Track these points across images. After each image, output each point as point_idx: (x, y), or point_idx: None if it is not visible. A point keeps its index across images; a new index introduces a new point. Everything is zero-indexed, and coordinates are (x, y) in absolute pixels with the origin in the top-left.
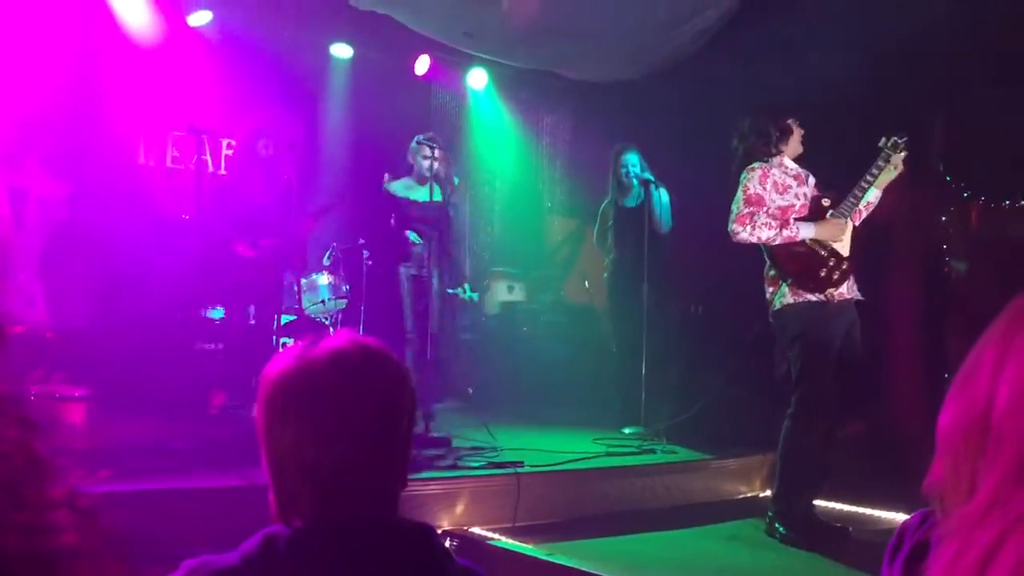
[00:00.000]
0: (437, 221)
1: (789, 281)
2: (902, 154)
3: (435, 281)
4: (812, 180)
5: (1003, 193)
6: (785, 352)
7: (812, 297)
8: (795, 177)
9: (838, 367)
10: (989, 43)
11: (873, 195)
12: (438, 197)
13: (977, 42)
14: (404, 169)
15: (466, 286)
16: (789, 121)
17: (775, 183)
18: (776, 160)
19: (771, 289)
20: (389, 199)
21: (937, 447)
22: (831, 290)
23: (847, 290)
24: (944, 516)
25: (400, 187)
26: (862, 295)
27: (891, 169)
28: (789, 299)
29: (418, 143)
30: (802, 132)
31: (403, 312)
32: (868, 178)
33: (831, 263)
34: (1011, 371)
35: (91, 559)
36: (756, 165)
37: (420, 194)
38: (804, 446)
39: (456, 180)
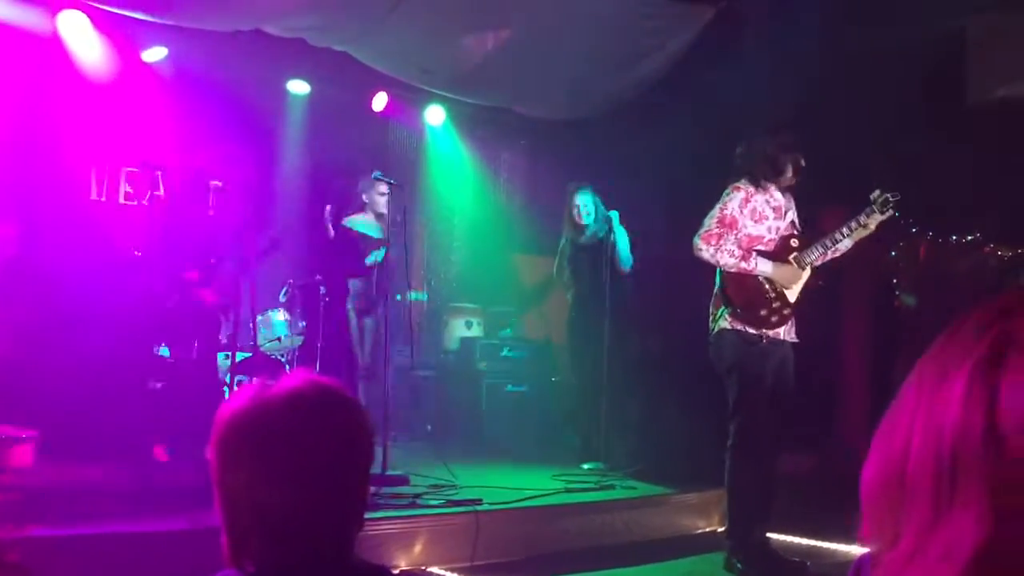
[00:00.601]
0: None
1: (730, 309)
2: (887, 215)
3: (372, 319)
4: (791, 216)
5: (949, 229)
6: (722, 378)
7: (748, 329)
8: (775, 209)
9: (771, 398)
10: (934, 79)
11: (844, 245)
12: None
13: (921, 78)
14: (356, 205)
15: (411, 292)
16: (802, 160)
17: (754, 210)
18: (766, 185)
19: (713, 310)
20: (351, 234)
21: (861, 502)
22: (766, 330)
23: (783, 333)
24: (875, 565)
25: (360, 223)
26: (810, 331)
27: (868, 226)
28: (727, 325)
29: (375, 179)
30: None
31: (353, 348)
32: (845, 230)
33: (775, 305)
34: (921, 422)
35: None
36: (742, 185)
37: (374, 231)
38: (746, 475)
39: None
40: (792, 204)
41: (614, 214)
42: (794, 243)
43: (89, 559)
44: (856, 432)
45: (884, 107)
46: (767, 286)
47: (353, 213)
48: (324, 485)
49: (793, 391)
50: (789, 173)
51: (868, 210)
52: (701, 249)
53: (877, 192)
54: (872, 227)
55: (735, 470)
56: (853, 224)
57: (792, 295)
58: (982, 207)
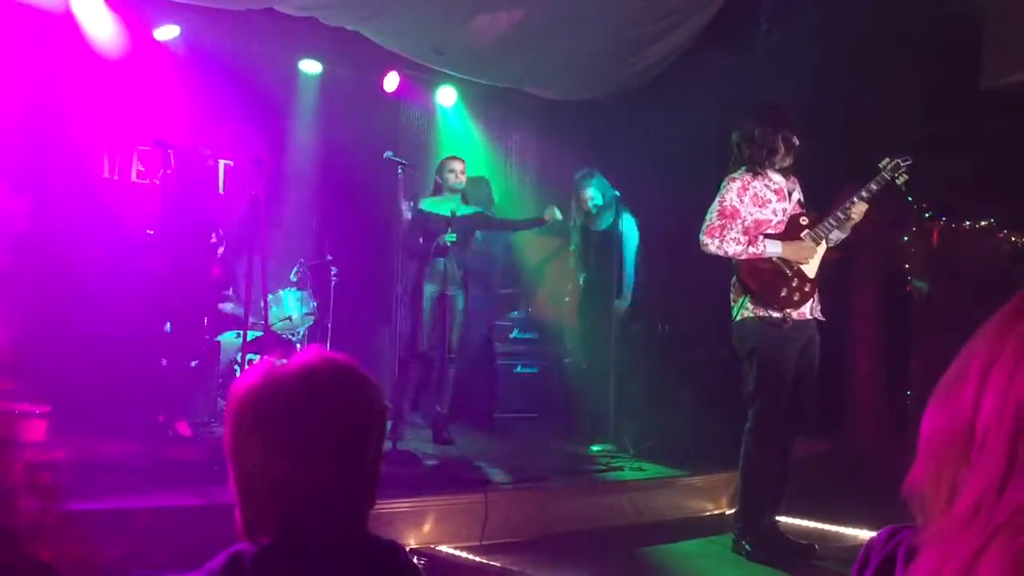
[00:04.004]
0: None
1: (750, 296)
2: (900, 180)
3: (460, 300)
4: (796, 196)
5: (963, 214)
6: (743, 365)
7: (771, 313)
8: (776, 192)
9: (794, 383)
10: (949, 61)
11: (835, 236)
12: (463, 210)
13: (936, 60)
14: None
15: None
16: (794, 137)
17: (754, 196)
18: (762, 171)
19: (734, 299)
20: (422, 216)
21: (919, 450)
22: (789, 310)
23: (808, 311)
24: (923, 520)
25: (433, 203)
26: (825, 316)
27: (852, 217)
28: (749, 312)
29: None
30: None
31: (422, 329)
32: (855, 199)
33: (794, 283)
34: (998, 378)
35: (51, 535)
36: (738, 175)
37: (445, 208)
38: (760, 460)
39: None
40: (796, 185)
41: (616, 193)
42: (804, 221)
43: (101, 533)
44: (868, 417)
45: (898, 89)
46: (783, 266)
47: (430, 195)
48: (336, 461)
49: (817, 374)
50: (781, 153)
51: (878, 178)
52: (707, 244)
53: (887, 160)
54: (855, 217)
55: (751, 454)
56: (864, 193)
57: (810, 271)
58: (996, 193)
